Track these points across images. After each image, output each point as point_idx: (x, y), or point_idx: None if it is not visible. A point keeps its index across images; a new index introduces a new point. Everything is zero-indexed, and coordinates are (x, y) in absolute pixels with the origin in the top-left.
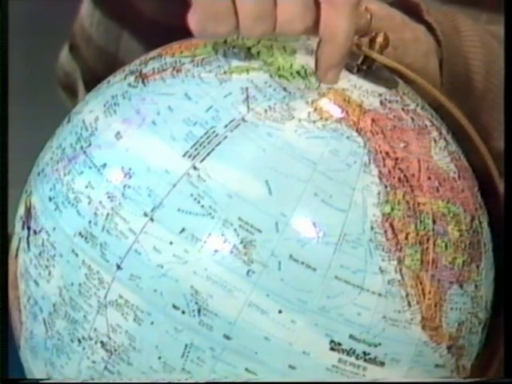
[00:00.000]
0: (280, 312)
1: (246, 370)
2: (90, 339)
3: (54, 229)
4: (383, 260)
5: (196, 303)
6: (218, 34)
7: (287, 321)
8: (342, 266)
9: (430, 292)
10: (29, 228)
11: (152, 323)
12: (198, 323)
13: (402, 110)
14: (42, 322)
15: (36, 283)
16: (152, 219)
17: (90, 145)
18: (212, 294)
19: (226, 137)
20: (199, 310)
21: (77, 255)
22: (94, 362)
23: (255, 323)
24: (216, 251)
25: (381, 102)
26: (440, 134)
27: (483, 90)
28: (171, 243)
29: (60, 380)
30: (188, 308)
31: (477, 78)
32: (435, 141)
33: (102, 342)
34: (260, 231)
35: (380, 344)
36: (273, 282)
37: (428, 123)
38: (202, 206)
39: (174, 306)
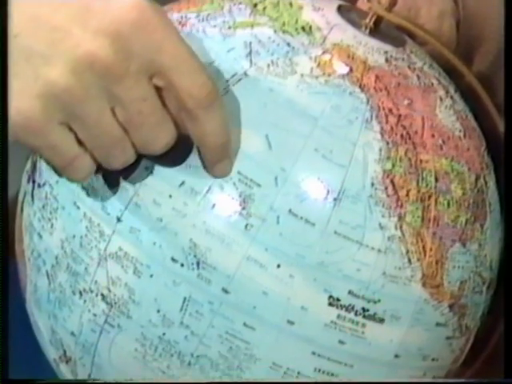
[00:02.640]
0: (278, 266)
1: (244, 324)
2: (91, 292)
3: (57, 182)
4: (383, 216)
5: (195, 256)
6: (78, 180)
7: (285, 275)
8: (341, 221)
9: (431, 249)
10: (33, 181)
11: (151, 276)
12: (196, 276)
13: (408, 67)
14: (45, 274)
15: (39, 236)
16: (152, 172)
17: None
18: (211, 247)
19: (227, 91)
20: (198, 263)
21: (78, 208)
22: (94, 314)
23: (253, 277)
24: (215, 205)
25: (386, 60)
26: (447, 92)
27: (498, 52)
28: (170, 196)
29: (59, 380)
30: (187, 261)
31: (493, 37)
32: (441, 99)
33: (102, 295)
34: (259, 185)
35: (379, 300)
36: (271, 237)
37: (434, 81)
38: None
39: (173, 259)
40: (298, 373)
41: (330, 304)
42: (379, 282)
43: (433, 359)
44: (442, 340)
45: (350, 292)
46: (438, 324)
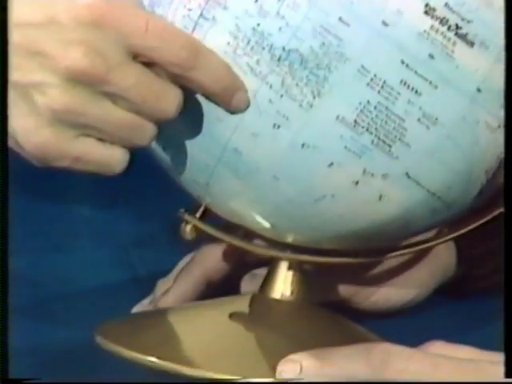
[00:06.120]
0: None
1: (340, 19)
2: None
3: None
4: None
5: None
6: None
7: None
8: None
9: None
10: None
11: None
12: None
13: None
14: None
15: None
16: None
17: None
18: None
19: None
20: None
21: None
22: (190, 9)
23: None
24: None
25: None
26: None
27: None
28: None
29: (59, 380)
30: None
31: None
32: None
33: None
34: None
35: (472, 21)
36: None
37: None
38: None
39: None
40: (384, 82)
41: (426, 12)
42: (475, 3)
43: None
44: None
45: (446, 4)
46: None
